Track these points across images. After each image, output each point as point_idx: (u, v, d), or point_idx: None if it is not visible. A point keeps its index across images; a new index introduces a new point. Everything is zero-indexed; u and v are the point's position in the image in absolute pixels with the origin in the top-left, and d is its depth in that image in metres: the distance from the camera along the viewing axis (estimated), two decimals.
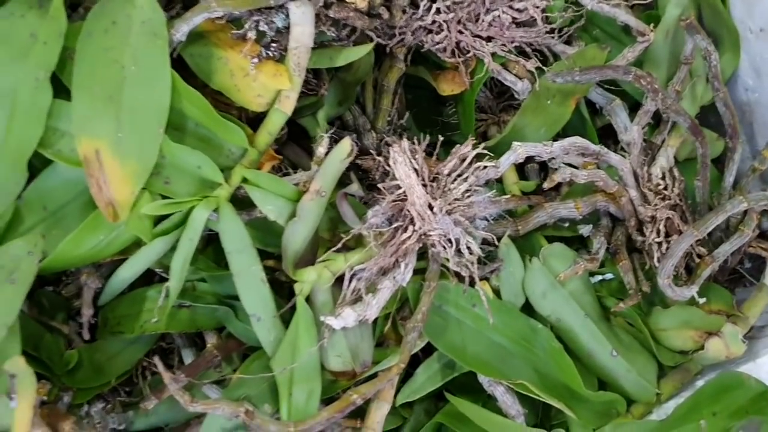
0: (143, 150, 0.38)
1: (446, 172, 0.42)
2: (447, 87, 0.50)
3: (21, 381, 0.37)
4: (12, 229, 0.40)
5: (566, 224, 0.49)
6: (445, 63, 0.49)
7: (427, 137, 0.43)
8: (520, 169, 0.51)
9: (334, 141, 0.42)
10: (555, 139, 0.48)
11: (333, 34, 0.44)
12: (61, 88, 0.39)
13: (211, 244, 0.44)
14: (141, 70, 0.38)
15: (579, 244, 0.49)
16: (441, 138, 0.45)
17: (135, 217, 0.39)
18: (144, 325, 0.43)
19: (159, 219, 0.40)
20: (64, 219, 0.41)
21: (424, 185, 0.41)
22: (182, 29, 0.39)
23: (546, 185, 0.44)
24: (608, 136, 0.52)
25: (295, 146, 0.47)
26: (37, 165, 0.40)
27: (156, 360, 0.38)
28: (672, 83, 0.49)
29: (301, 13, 0.41)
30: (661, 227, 0.46)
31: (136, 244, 0.41)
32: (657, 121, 0.49)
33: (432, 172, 0.42)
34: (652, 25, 0.48)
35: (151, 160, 0.39)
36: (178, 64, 0.40)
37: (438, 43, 0.48)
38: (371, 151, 0.48)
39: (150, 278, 0.44)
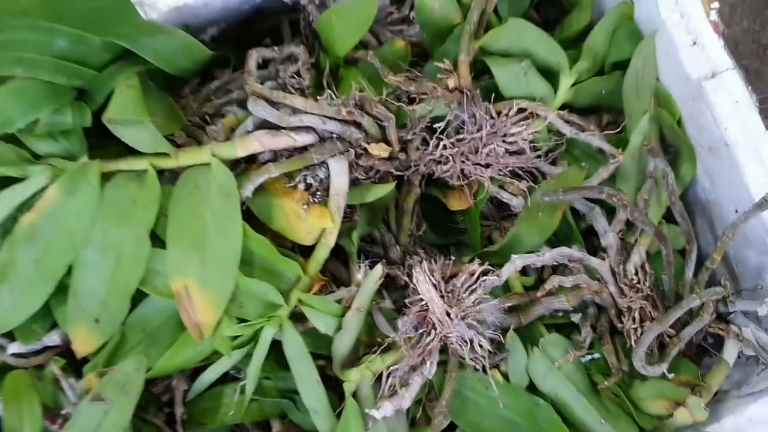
0: (222, 284, 0.49)
1: (459, 284, 0.53)
2: (455, 204, 0.61)
3: None
4: (119, 347, 0.51)
5: (560, 314, 0.59)
6: (453, 185, 0.60)
7: (442, 258, 0.54)
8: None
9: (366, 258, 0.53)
10: (547, 242, 0.60)
11: (363, 176, 0.55)
12: (156, 238, 0.50)
13: (274, 348, 0.55)
14: (219, 223, 0.50)
15: (572, 328, 0.60)
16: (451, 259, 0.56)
17: (218, 337, 0.50)
18: (223, 417, 0.53)
19: (233, 338, 0.51)
20: (159, 338, 0.52)
21: (442, 296, 0.52)
22: (249, 188, 0.50)
23: (539, 294, 0.55)
24: (591, 234, 0.62)
25: (335, 261, 0.58)
26: (137, 297, 0.51)
27: None
28: (641, 193, 0.59)
29: (338, 167, 0.52)
30: (636, 315, 0.56)
31: (217, 353, 0.52)
32: (630, 224, 0.60)
33: (447, 285, 0.53)
34: (621, 148, 0.59)
35: (228, 291, 0.50)
36: (246, 212, 0.52)
37: (445, 171, 0.58)
38: (397, 261, 0.59)
39: (225, 377, 0.55)
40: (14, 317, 0.50)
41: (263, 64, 0.56)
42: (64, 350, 0.53)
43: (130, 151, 0.50)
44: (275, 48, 0.56)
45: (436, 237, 0.64)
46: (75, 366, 0.53)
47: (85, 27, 0.47)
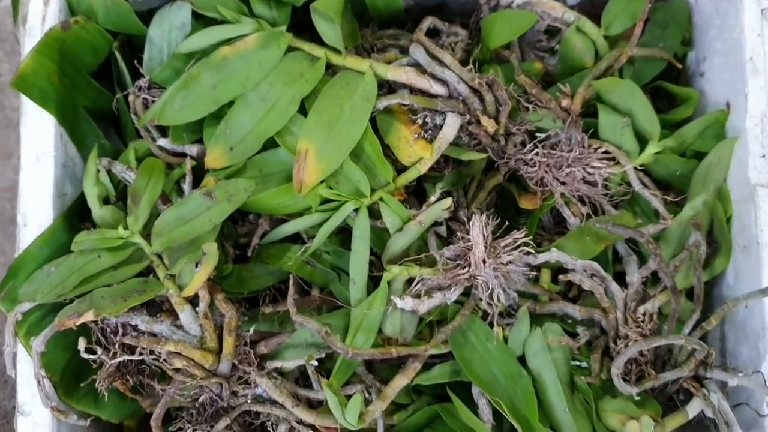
0: (333, 158, 0.63)
1: (503, 245, 0.64)
2: (525, 203, 0.73)
3: (208, 257, 0.61)
4: (237, 173, 0.65)
5: (569, 321, 0.69)
6: (529, 187, 0.72)
7: (499, 220, 0.66)
8: (554, 277, 0.73)
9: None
10: None
11: (465, 140, 0.68)
12: (302, 108, 0.65)
13: (341, 233, 0.67)
14: (352, 115, 0.63)
15: (574, 338, 0.70)
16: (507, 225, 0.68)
17: (313, 194, 0.63)
18: (282, 264, 0.66)
19: (322, 202, 0.64)
20: (269, 181, 0.65)
21: (485, 246, 0.64)
22: (383, 102, 0.65)
23: (561, 277, 0.66)
24: (621, 280, 0.72)
25: (414, 198, 0.71)
26: (268, 144, 0.65)
27: (291, 279, 0.61)
28: (675, 259, 0.70)
29: (452, 121, 0.66)
30: (629, 343, 0.66)
31: (300, 214, 0.65)
32: (656, 279, 0.70)
33: (493, 242, 0.64)
34: (672, 215, 0.70)
35: (334, 165, 0.63)
36: (372, 120, 0.66)
37: (529, 173, 0.71)
38: (461, 221, 0.71)
39: (296, 238, 0.68)
40: (178, 117, 0.65)
41: (431, 32, 0.71)
42: (197, 162, 0.67)
43: (315, 41, 0.65)
44: (445, 23, 0.71)
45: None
46: (197, 179, 0.67)
47: None
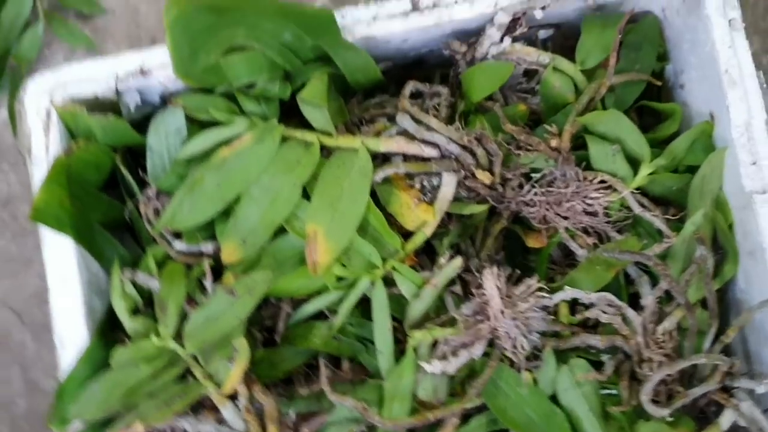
0: (342, 236, 0.65)
1: (518, 293, 0.67)
2: (532, 242, 0.75)
3: (240, 354, 0.63)
4: (254, 265, 0.68)
5: (593, 350, 0.71)
6: (533, 226, 0.74)
7: (509, 269, 0.68)
8: (572, 309, 0.75)
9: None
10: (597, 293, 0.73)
11: (465, 194, 0.70)
12: (305, 193, 0.67)
13: (361, 303, 0.70)
14: (352, 192, 0.66)
15: (600, 366, 0.72)
16: (519, 273, 0.70)
17: (328, 274, 0.65)
18: (310, 343, 0.68)
19: (338, 279, 0.67)
20: (284, 266, 0.68)
21: (501, 298, 0.66)
22: (380, 174, 0.67)
23: (578, 316, 0.68)
24: (635, 302, 0.74)
25: (424, 256, 0.73)
26: (278, 232, 0.68)
27: (321, 362, 0.64)
28: (684, 275, 0.71)
29: (449, 180, 0.68)
30: (655, 367, 0.68)
31: (319, 293, 0.68)
32: (670, 297, 0.72)
33: (508, 292, 0.67)
34: (675, 233, 0.71)
35: (344, 243, 0.65)
36: (372, 193, 0.68)
37: (531, 213, 0.73)
38: (473, 271, 0.73)
39: (319, 315, 0.71)
40: (189, 220, 0.67)
41: (414, 95, 0.74)
42: (213, 259, 0.70)
43: (305, 127, 0.68)
44: (426, 84, 0.73)
45: (509, 268, 0.78)
46: (216, 272, 0.70)
47: (303, 29, 0.66)
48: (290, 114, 0.70)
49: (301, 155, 0.67)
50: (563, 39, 0.78)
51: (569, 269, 0.76)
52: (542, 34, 0.79)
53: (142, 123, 0.74)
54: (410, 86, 0.72)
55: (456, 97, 0.76)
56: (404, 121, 0.68)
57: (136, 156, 0.76)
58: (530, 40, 0.77)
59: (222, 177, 0.67)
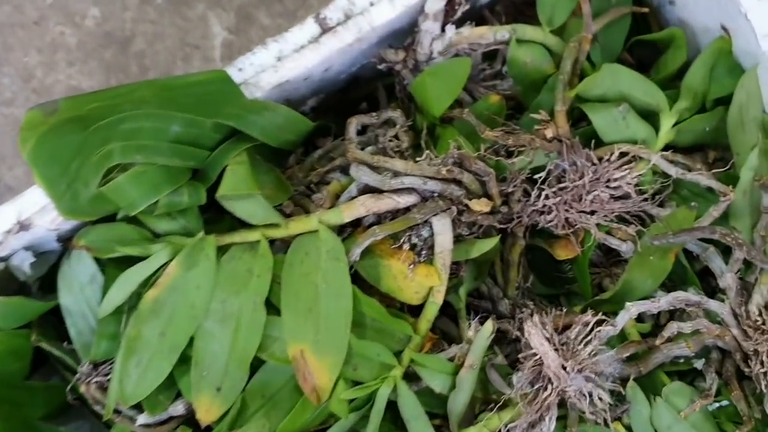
0: (336, 347, 0.50)
1: (573, 336, 0.52)
2: (562, 253, 0.60)
3: None
4: (241, 414, 0.53)
5: (681, 360, 0.57)
6: (558, 234, 0.59)
7: (553, 310, 0.53)
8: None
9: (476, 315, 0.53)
10: (662, 286, 0.58)
11: (466, 232, 0.55)
12: (272, 305, 0.52)
13: (389, 408, 0.55)
14: (329, 287, 0.51)
15: (695, 374, 0.57)
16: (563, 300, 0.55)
17: (335, 400, 0.50)
18: None
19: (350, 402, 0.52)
20: (278, 402, 0.53)
21: (556, 350, 0.51)
22: (356, 252, 0.52)
23: (658, 342, 0.53)
24: (708, 275, 0.60)
25: (444, 318, 0.58)
26: (256, 364, 0.53)
27: None
28: (756, 229, 0.57)
29: (441, 225, 0.53)
30: (764, 359, 0.53)
31: (335, 415, 0.53)
32: (749, 263, 0.57)
33: (561, 337, 0.52)
34: (731, 185, 0.57)
35: (342, 354, 0.50)
36: (355, 275, 0.53)
37: (550, 221, 0.58)
38: (506, 315, 0.58)
39: None
40: (142, 389, 0.52)
41: (363, 130, 0.58)
42: (189, 419, 0.55)
43: (243, 223, 0.53)
44: (373, 114, 0.57)
45: (545, 287, 0.63)
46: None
47: (196, 111, 0.50)
48: (220, 210, 0.55)
49: (251, 263, 0.52)
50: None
51: (617, 269, 0.61)
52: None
53: (48, 277, 0.58)
54: (354, 124, 0.56)
55: (413, 113, 0.60)
56: (361, 175, 0.52)
57: (59, 316, 0.61)
58: (477, 15, 0.61)
59: (162, 323, 0.52)
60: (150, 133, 0.48)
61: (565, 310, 0.55)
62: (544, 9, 0.58)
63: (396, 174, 0.52)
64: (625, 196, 0.58)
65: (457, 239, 0.55)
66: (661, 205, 0.59)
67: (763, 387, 0.53)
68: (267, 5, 0.89)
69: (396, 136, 0.57)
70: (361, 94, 0.66)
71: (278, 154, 0.58)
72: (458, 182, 0.54)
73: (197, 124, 0.50)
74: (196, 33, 0.90)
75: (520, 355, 0.52)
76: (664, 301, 0.54)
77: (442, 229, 0.53)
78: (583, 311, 0.59)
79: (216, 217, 0.55)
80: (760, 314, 0.55)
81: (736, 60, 0.58)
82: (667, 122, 0.58)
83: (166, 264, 0.51)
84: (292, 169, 0.58)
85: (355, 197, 0.53)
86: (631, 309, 0.53)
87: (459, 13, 0.55)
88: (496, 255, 0.59)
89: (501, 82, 0.60)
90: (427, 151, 0.54)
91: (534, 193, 0.57)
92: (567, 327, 0.53)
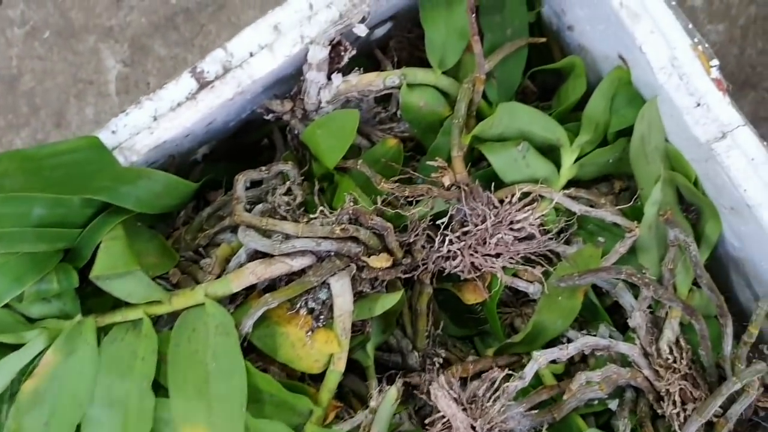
0: (231, 428, 0.47)
1: (481, 393, 0.50)
2: (470, 297, 0.58)
3: None
4: None
5: (596, 402, 0.56)
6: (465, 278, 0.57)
7: (460, 368, 0.51)
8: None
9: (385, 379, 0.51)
10: (572, 325, 0.57)
11: (368, 289, 0.53)
12: (160, 386, 0.49)
13: None
14: (220, 365, 0.48)
15: (611, 414, 0.56)
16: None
17: None
18: None
19: None
20: None
21: (464, 409, 0.49)
22: (248, 323, 0.49)
23: (566, 396, 0.52)
24: (619, 308, 0.59)
25: (352, 375, 0.56)
26: None
27: None
28: (664, 263, 0.56)
29: (339, 285, 0.50)
30: (676, 398, 0.52)
31: None
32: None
33: (469, 396, 0.50)
34: (636, 220, 0.55)
35: None
36: (249, 346, 0.50)
37: (456, 266, 0.56)
38: (416, 368, 0.56)
39: None
40: None
41: (254, 184, 0.55)
42: None
43: (125, 300, 0.49)
44: (263, 168, 0.54)
45: (458, 329, 0.62)
46: None
47: (64, 185, 0.46)
48: (99, 290, 0.51)
49: (134, 344, 0.48)
50: (407, 31, 0.60)
51: (528, 308, 0.60)
52: (378, 32, 0.61)
53: None
54: (242, 182, 0.53)
55: (308, 159, 0.57)
56: (249, 240, 0.49)
57: None
58: (370, 51, 0.58)
59: (45, 414, 0.48)
60: (10, 219, 0.44)
61: (473, 359, 0.54)
62: (433, 51, 0.55)
63: (287, 237, 0.49)
64: (530, 237, 0.56)
65: (360, 295, 0.53)
66: (567, 242, 0.57)
67: (677, 427, 0.52)
68: (162, 34, 0.85)
69: (289, 190, 0.54)
70: (257, 137, 0.63)
71: (164, 215, 0.54)
72: (355, 239, 0.51)
73: (63, 203, 0.46)
74: (89, 67, 0.85)
75: (426, 422, 0.50)
76: (573, 348, 0.52)
77: (341, 290, 0.50)
78: (497, 354, 0.57)
79: (98, 291, 0.51)
80: (671, 352, 0.54)
81: (636, 90, 0.57)
82: (568, 158, 0.56)
83: (44, 351, 0.48)
84: (180, 230, 0.54)
85: (245, 263, 0.50)
86: (539, 359, 0.51)
87: (346, 59, 0.52)
88: (404, 305, 0.57)
89: (398, 124, 0.58)
90: (321, 208, 0.51)
91: (438, 240, 0.55)
92: (482, 372, 0.52)
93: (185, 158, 0.58)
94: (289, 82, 0.55)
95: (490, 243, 0.55)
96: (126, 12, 0.85)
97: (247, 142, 0.63)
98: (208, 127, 0.55)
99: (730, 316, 0.52)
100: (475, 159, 0.57)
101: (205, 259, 0.52)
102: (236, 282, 0.49)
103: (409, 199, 0.54)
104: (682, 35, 0.52)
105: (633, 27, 0.52)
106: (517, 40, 0.57)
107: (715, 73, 0.52)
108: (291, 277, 0.51)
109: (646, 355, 0.54)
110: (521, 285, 0.57)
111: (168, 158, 0.55)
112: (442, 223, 0.55)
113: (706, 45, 0.52)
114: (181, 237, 0.54)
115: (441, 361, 0.56)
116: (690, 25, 0.52)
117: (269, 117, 0.55)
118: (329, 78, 0.52)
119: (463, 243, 0.55)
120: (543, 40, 0.59)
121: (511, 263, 0.56)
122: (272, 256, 0.50)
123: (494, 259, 0.56)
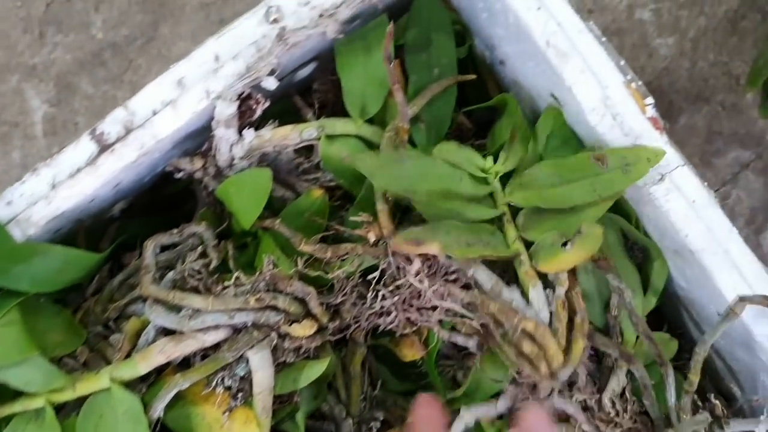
0: None
1: None
2: (408, 353, 0.55)
3: (586, 237, 0.47)
4: None
5: None
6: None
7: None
8: None
9: None
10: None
11: (292, 358, 0.49)
12: None
13: None
14: None
15: None
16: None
17: None
18: None
19: None
20: None
21: None
22: (158, 407, 0.45)
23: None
24: None
25: None
26: None
27: None
28: (609, 311, 0.53)
29: (258, 359, 0.47)
30: None
31: None
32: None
33: None
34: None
35: None
36: (164, 428, 0.47)
37: (390, 323, 0.53)
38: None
39: None
40: None
41: (170, 245, 0.51)
42: None
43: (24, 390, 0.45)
44: (174, 231, 0.51)
45: (400, 384, 0.59)
46: None
47: None
48: None
49: None
50: (330, 73, 0.56)
51: (468, 360, 0.57)
52: (302, 73, 0.57)
53: None
54: (150, 248, 0.49)
55: (227, 216, 0.54)
56: (156, 317, 0.46)
57: None
58: (291, 94, 0.55)
59: None
60: None
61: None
62: (353, 101, 0.51)
63: (197, 311, 0.46)
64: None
65: (284, 366, 0.49)
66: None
67: None
68: (89, 71, 0.81)
69: (204, 253, 0.50)
70: (177, 189, 0.59)
71: (76, 288, 0.51)
72: (275, 308, 0.48)
73: None
74: (13, 109, 0.81)
75: None
76: (502, 404, 0.49)
77: (260, 364, 0.47)
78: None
79: None
80: (614, 404, 0.52)
81: (572, 128, 0.54)
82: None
83: None
84: (89, 302, 0.50)
85: (154, 340, 0.46)
86: (465, 416, 0.48)
87: (259, 112, 0.49)
88: (337, 366, 0.54)
89: (324, 173, 0.54)
90: (236, 274, 0.47)
91: (370, 296, 0.52)
92: None
93: (99, 218, 0.55)
94: (202, 134, 0.52)
95: (425, 295, 0.52)
96: (50, 49, 0.81)
97: (167, 193, 0.59)
98: (116, 188, 0.51)
99: (670, 364, 0.50)
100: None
101: (115, 334, 0.48)
102: (144, 363, 0.45)
103: (334, 260, 0.50)
104: (614, 73, 0.49)
105: (561, 67, 0.49)
106: (443, 80, 0.54)
107: (651, 111, 0.49)
108: (207, 351, 0.47)
109: (586, 409, 0.51)
110: (459, 339, 0.53)
111: (75, 223, 0.51)
112: (374, 278, 0.52)
113: (640, 83, 0.49)
114: (91, 309, 0.50)
115: (379, 425, 0.53)
116: (622, 62, 0.50)
117: (180, 176, 0.52)
118: (240, 134, 0.49)
119: (396, 298, 0.52)
120: (473, 77, 0.56)
121: (448, 316, 0.53)
122: (183, 333, 0.46)
123: (430, 312, 0.53)
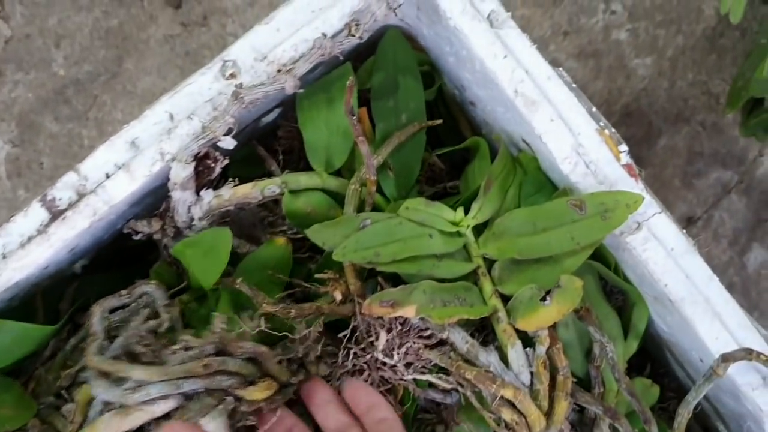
0: None
1: None
2: None
3: (565, 292, 0.45)
4: None
5: None
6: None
7: None
8: None
9: None
10: None
11: (255, 419, 0.47)
12: None
13: None
14: None
15: None
16: None
17: None
18: None
19: None
20: None
21: None
22: None
23: None
24: None
25: None
26: None
27: None
28: (591, 361, 0.51)
29: (214, 427, 0.43)
30: None
31: None
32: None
33: None
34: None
35: None
36: None
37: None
38: None
39: None
40: None
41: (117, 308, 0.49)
42: None
43: None
44: (123, 292, 0.48)
45: None
46: None
47: None
48: None
49: None
50: (294, 120, 0.54)
51: (447, 413, 0.55)
52: (267, 119, 0.55)
53: None
54: (97, 314, 0.47)
55: (185, 273, 0.51)
56: (99, 391, 0.43)
57: None
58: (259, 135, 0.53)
59: None
60: None
61: None
62: (316, 155, 0.49)
63: (140, 383, 0.44)
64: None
65: (245, 430, 0.47)
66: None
67: None
68: (52, 109, 0.78)
69: (156, 313, 0.48)
70: (141, 240, 0.57)
71: (30, 362, 0.49)
72: (228, 372, 0.45)
73: None
74: None
75: None
76: None
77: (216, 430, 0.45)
78: None
79: None
80: None
81: (546, 174, 0.52)
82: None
83: None
84: (41, 369, 0.48)
85: (102, 413, 0.44)
86: None
87: (218, 170, 0.47)
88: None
89: (290, 225, 0.52)
90: (184, 339, 0.45)
91: (341, 354, 0.50)
92: None
93: (57, 277, 0.53)
94: (161, 190, 0.50)
95: (398, 353, 0.51)
96: (10, 87, 0.78)
97: (130, 246, 0.57)
98: (72, 252, 0.49)
99: (654, 420, 0.48)
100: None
101: (67, 404, 0.46)
102: None
103: (298, 319, 0.48)
104: (586, 120, 0.47)
105: (531, 116, 0.47)
106: (409, 127, 0.52)
107: (625, 158, 0.48)
108: (159, 421, 0.45)
109: None
110: (437, 396, 0.52)
111: (32, 288, 0.49)
112: (345, 335, 0.50)
113: (613, 130, 0.48)
114: (43, 377, 0.48)
115: None
116: (594, 108, 0.48)
117: (138, 237, 0.50)
118: (198, 194, 0.47)
119: (368, 356, 0.50)
120: (439, 122, 0.54)
121: (422, 373, 0.51)
122: (130, 406, 0.44)
123: (404, 369, 0.51)
